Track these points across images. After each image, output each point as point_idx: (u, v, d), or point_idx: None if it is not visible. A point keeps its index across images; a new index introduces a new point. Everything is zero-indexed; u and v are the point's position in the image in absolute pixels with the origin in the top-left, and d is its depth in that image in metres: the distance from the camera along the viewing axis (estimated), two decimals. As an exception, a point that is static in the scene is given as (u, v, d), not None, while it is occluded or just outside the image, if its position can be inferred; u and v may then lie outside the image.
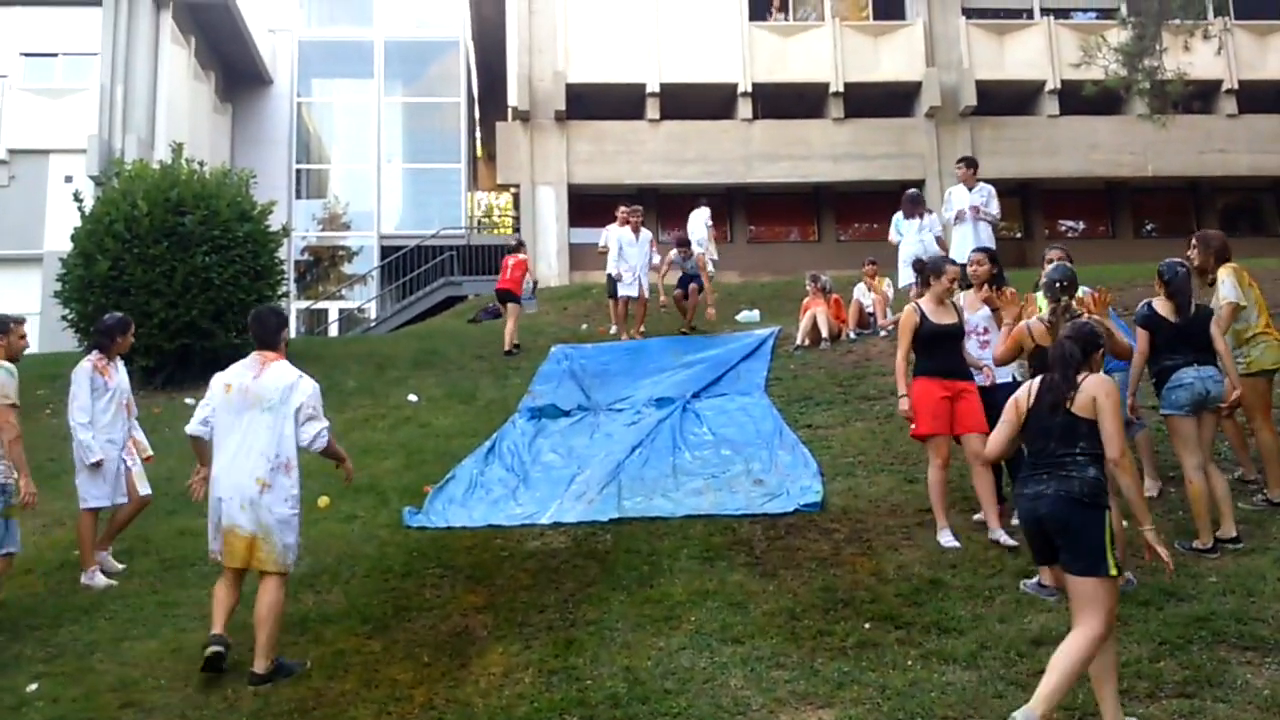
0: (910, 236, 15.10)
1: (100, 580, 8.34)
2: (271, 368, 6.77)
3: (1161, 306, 7.70)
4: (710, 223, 20.24)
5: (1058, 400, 5.27)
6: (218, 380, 6.85)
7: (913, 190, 16.41)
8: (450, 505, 9.86)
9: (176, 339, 15.20)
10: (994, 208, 14.45)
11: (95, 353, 8.86)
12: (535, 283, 20.13)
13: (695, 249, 17.99)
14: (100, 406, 8.61)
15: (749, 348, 14.86)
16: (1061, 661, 4.94)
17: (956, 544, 7.69)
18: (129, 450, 8.87)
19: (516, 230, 31.27)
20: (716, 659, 6.18)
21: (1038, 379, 5.52)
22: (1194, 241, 8.40)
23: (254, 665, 6.47)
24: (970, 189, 14.54)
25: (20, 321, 8.26)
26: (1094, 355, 5.43)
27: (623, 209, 17.22)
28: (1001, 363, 7.67)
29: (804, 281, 16.23)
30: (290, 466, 6.69)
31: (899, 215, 15.52)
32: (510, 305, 17.26)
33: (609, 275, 16.97)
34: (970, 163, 14.95)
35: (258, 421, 6.64)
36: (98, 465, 8.47)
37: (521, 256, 17.80)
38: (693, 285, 17.03)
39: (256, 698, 6.20)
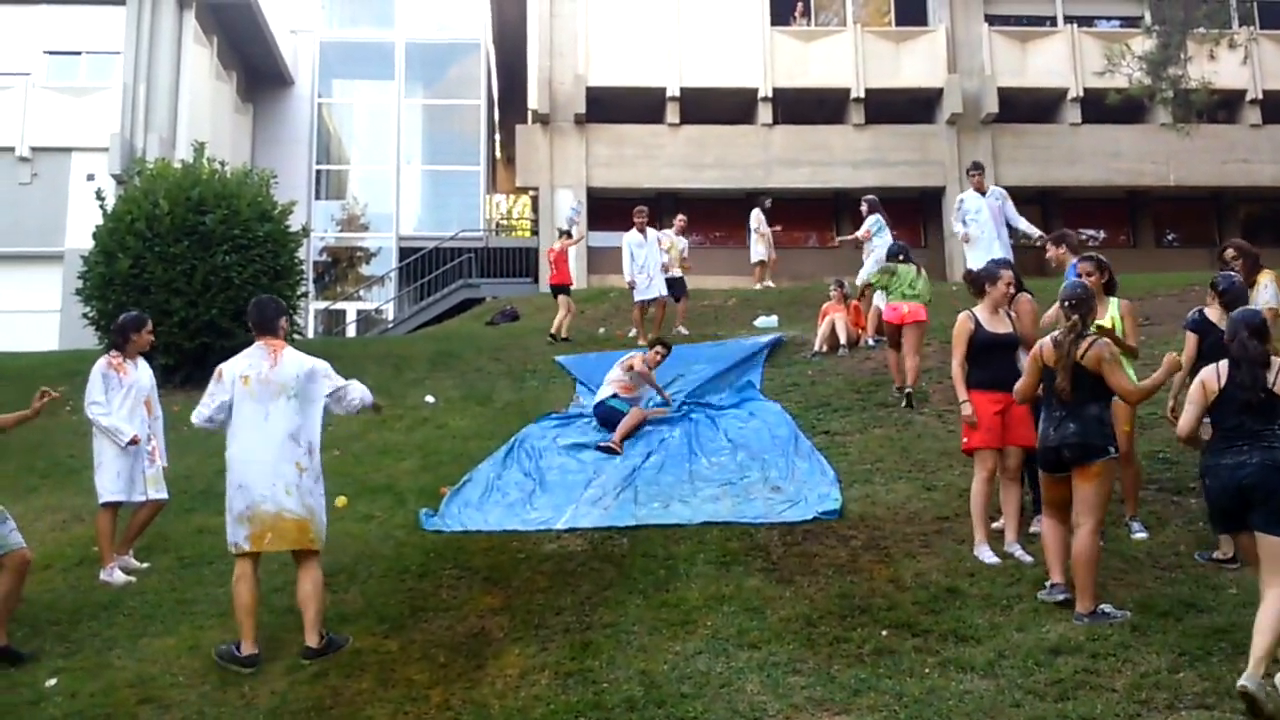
0: (886, 238, 15.63)
1: (119, 577, 8.36)
2: (285, 355, 7.05)
3: (1214, 314, 7.72)
4: (753, 225, 20.59)
5: (1260, 388, 5.77)
6: (229, 372, 7.01)
7: (872, 196, 16.87)
8: (466, 509, 9.81)
9: (196, 338, 15.24)
10: (1010, 209, 14.44)
11: (112, 351, 8.94)
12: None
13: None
14: (115, 403, 8.65)
15: (748, 351, 14.85)
16: (1268, 622, 5.41)
17: (996, 560, 7.53)
18: (151, 451, 8.88)
19: (535, 234, 31.35)
20: (733, 664, 6.18)
21: (1225, 363, 5.94)
22: (1233, 253, 8.40)
23: (307, 640, 6.74)
24: (983, 194, 14.43)
25: None
26: (1269, 337, 5.89)
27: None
28: (1024, 398, 7.30)
29: (822, 287, 16.38)
30: (314, 449, 7.07)
31: (879, 217, 16.11)
32: (561, 298, 17.92)
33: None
34: (981, 168, 14.87)
35: (285, 409, 6.91)
36: (133, 443, 8.54)
37: (557, 248, 18.65)
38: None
39: (273, 696, 6.24)
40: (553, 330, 17.72)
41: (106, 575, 8.39)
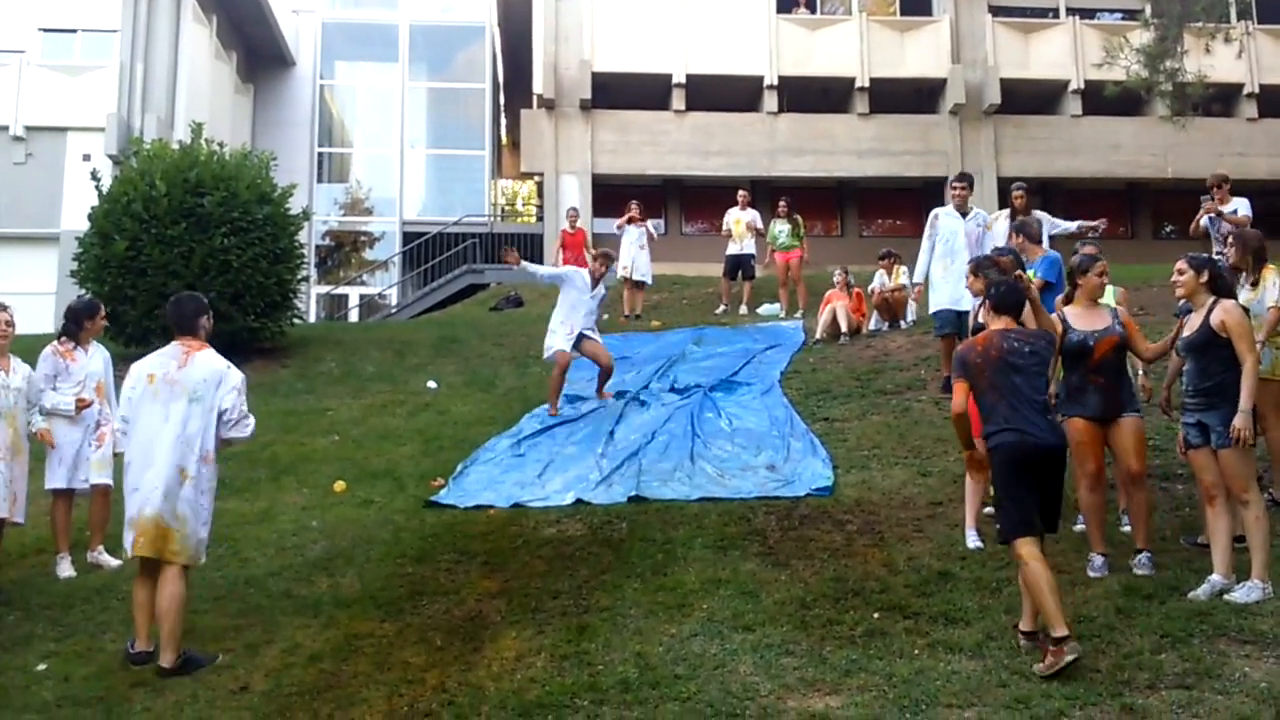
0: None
1: (64, 570, 8.25)
2: (196, 357, 6.69)
3: None
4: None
5: None
6: (139, 370, 6.72)
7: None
8: (478, 484, 10.00)
9: (193, 321, 15.22)
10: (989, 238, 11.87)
11: (62, 338, 8.71)
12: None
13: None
14: (65, 392, 8.47)
15: (775, 339, 15.00)
16: None
17: (981, 545, 7.66)
18: (100, 436, 8.62)
19: (540, 219, 31.34)
20: (727, 646, 6.24)
21: None
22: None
23: (160, 658, 6.42)
24: (965, 215, 12.03)
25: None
26: None
27: (742, 192, 19.70)
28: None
29: (826, 275, 16.61)
30: (209, 458, 6.66)
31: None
32: None
33: (727, 255, 19.15)
34: (969, 180, 12.33)
35: (184, 413, 6.56)
36: (82, 405, 8.45)
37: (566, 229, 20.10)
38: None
39: (268, 679, 6.24)
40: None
41: (55, 564, 8.35)
